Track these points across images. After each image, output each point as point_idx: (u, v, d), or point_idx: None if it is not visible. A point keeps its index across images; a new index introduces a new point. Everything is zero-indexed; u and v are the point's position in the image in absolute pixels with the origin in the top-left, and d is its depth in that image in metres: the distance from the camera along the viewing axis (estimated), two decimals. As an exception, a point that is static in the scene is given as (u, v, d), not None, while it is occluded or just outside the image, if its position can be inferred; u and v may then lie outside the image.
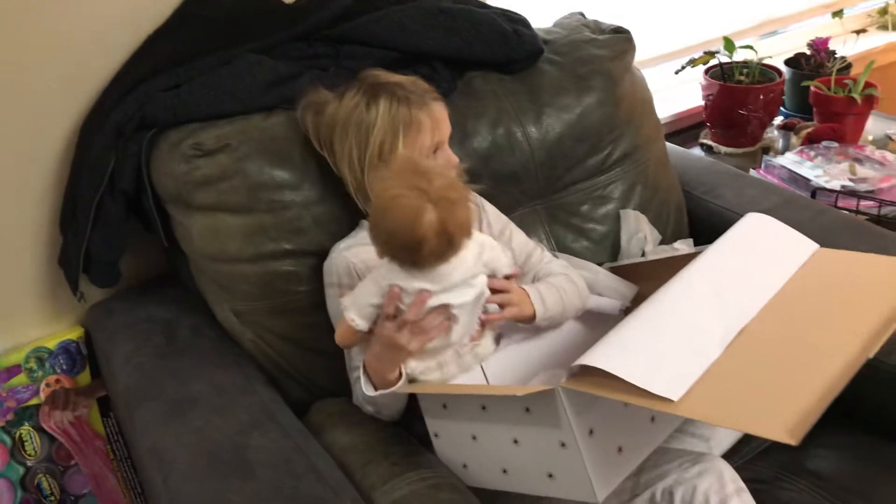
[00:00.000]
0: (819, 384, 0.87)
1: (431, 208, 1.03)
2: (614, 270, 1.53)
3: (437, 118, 1.28)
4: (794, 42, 2.64)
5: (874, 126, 2.25)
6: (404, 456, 1.20)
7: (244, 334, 1.39)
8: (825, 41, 2.34)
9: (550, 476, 1.05)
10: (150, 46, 1.47)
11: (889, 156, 1.99)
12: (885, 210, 1.81)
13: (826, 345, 0.96)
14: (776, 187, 1.83)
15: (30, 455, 1.56)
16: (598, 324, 1.41)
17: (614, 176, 1.65)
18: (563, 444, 1.01)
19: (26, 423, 1.56)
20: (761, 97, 2.15)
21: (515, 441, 1.07)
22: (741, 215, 1.32)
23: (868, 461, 1.29)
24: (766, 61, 2.24)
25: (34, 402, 1.56)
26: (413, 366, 1.21)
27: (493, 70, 1.59)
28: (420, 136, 1.26)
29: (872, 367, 1.26)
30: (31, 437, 1.56)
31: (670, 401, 0.88)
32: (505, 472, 1.12)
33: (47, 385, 1.57)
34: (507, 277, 1.23)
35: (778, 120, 2.30)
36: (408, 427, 1.29)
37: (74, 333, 1.59)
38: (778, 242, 1.25)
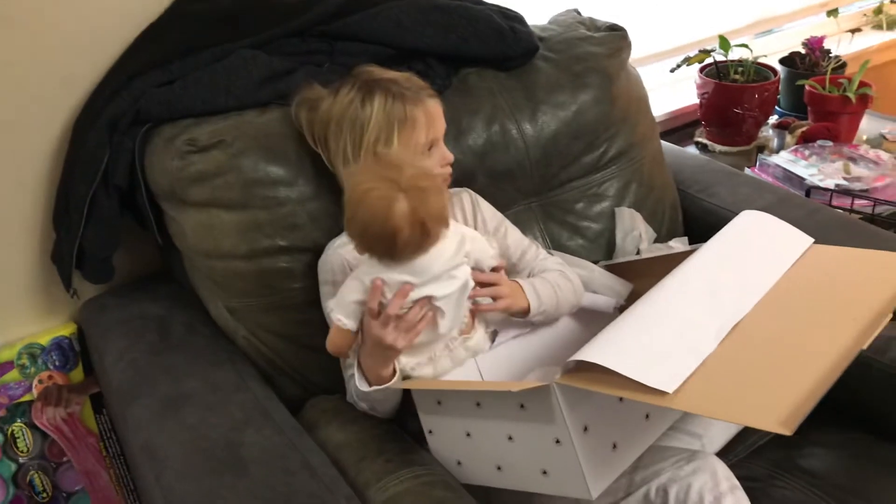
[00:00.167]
0: (812, 376, 0.87)
1: (402, 197, 1.04)
2: (609, 268, 1.53)
3: (432, 115, 1.28)
4: (789, 41, 2.64)
5: (868, 125, 2.26)
6: (398, 453, 1.19)
7: (238, 331, 1.39)
8: (820, 40, 2.34)
9: (545, 473, 1.05)
10: (144, 42, 1.46)
11: (883, 155, 1.99)
12: (880, 209, 1.81)
13: (819, 338, 0.97)
14: (771, 186, 1.83)
15: (22, 452, 1.56)
16: (593, 321, 1.41)
17: (609, 174, 1.65)
18: (557, 441, 1.00)
19: (19, 420, 1.55)
20: (756, 96, 2.15)
21: (510, 437, 1.07)
22: (736, 214, 1.32)
23: (862, 459, 1.30)
24: (761, 60, 2.24)
25: (27, 398, 1.55)
26: (405, 361, 1.21)
27: (488, 67, 1.58)
28: (415, 133, 1.26)
29: (866, 365, 1.27)
30: (23, 434, 1.55)
31: (665, 394, 0.88)
32: (499, 468, 1.12)
33: (40, 381, 1.56)
34: (494, 270, 1.23)
35: (773, 119, 2.30)
36: (402, 424, 1.29)
37: (67, 330, 1.59)
38: (773, 237, 1.25)
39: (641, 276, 1.46)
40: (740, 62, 2.23)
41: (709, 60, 2.21)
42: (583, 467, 0.99)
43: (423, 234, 1.07)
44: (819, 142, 2.07)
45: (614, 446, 1.04)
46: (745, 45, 2.22)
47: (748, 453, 1.34)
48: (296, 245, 1.35)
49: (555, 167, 1.60)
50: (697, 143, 2.28)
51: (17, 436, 1.55)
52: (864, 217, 1.79)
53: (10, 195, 1.48)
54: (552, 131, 1.58)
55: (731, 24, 2.51)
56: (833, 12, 2.45)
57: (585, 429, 1.00)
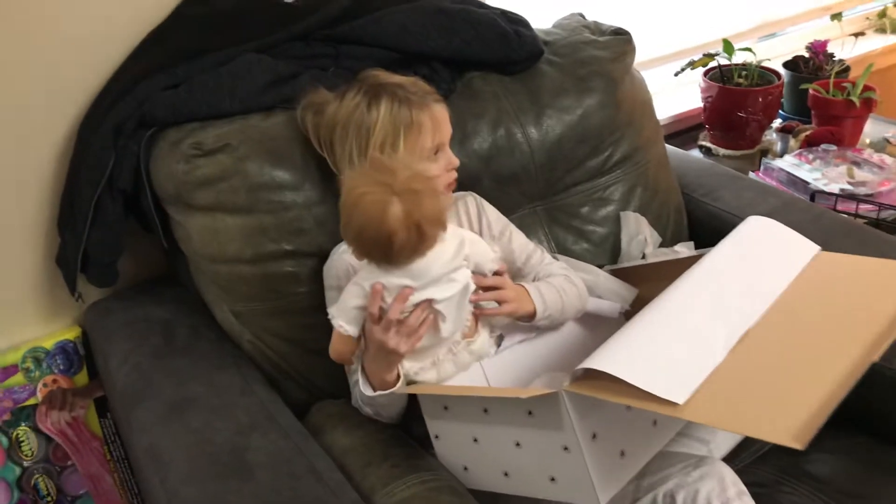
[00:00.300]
0: (823, 388, 0.87)
1: (396, 200, 1.04)
2: (614, 273, 1.53)
3: (438, 120, 1.28)
4: (793, 45, 2.64)
5: (872, 129, 2.26)
6: (404, 458, 1.19)
7: (243, 335, 1.39)
8: (824, 44, 2.34)
9: (552, 479, 1.05)
10: (149, 45, 1.46)
11: (887, 159, 1.99)
12: (884, 214, 1.81)
13: (830, 349, 0.96)
14: (775, 190, 1.83)
15: (27, 455, 1.56)
16: (598, 326, 1.41)
17: (614, 178, 1.65)
18: (565, 448, 1.00)
19: (23, 424, 1.55)
20: (760, 100, 2.15)
21: (517, 444, 1.07)
22: (741, 218, 1.32)
23: (869, 466, 1.30)
24: (764, 64, 2.24)
25: (31, 402, 1.55)
26: (408, 366, 1.21)
27: (493, 71, 1.58)
28: (421, 137, 1.26)
29: (874, 372, 1.26)
30: (27, 438, 1.55)
31: (675, 404, 0.88)
32: (506, 474, 1.12)
33: (44, 385, 1.56)
34: (496, 273, 1.23)
35: (776, 122, 2.30)
36: (407, 429, 1.29)
37: (72, 333, 1.59)
38: (779, 245, 1.25)
39: (647, 281, 1.46)
40: (744, 66, 2.23)
41: (713, 64, 2.21)
42: (591, 475, 0.99)
43: (419, 237, 1.07)
44: (823, 146, 2.06)
45: (622, 453, 1.03)
46: (749, 49, 2.22)
47: (754, 459, 1.34)
48: (301, 249, 1.35)
49: (560, 171, 1.60)
50: (701, 147, 2.28)
51: (21, 440, 1.55)
52: (869, 222, 1.79)
53: (14, 199, 1.47)
54: (557, 135, 1.57)
55: (734, 28, 2.51)
56: (837, 16, 2.45)
57: (594, 436, 1.00)
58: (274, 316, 1.37)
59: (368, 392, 1.20)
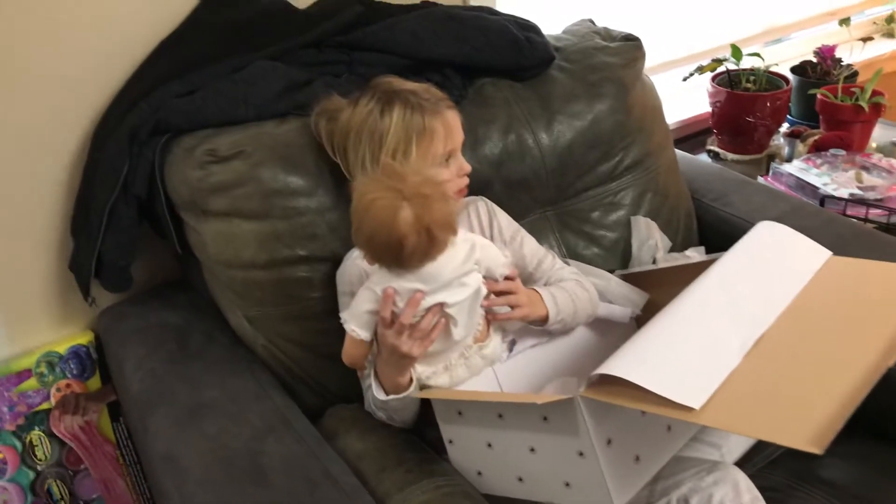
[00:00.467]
0: (840, 392, 0.87)
1: (406, 205, 1.05)
2: (625, 278, 1.53)
3: (450, 126, 1.28)
4: (801, 49, 2.65)
5: (880, 134, 2.26)
6: (418, 463, 1.20)
7: (257, 340, 1.39)
8: (832, 49, 2.34)
9: (567, 485, 1.05)
10: (163, 52, 1.47)
11: (896, 163, 1.99)
12: (895, 218, 1.81)
13: (844, 353, 0.97)
14: (784, 195, 1.83)
15: (40, 460, 1.56)
16: (609, 331, 1.41)
17: (625, 183, 1.65)
18: (581, 454, 1.01)
19: (37, 428, 1.56)
20: (768, 105, 2.16)
21: (532, 449, 1.08)
22: (750, 223, 1.32)
23: (882, 471, 1.30)
24: (772, 69, 2.25)
25: (45, 406, 1.56)
26: (420, 370, 1.21)
27: (504, 77, 1.59)
28: (433, 144, 1.26)
29: (888, 377, 1.26)
30: (41, 442, 1.56)
31: (691, 409, 0.88)
32: (521, 479, 1.12)
33: (58, 390, 1.57)
34: (507, 278, 1.23)
35: (784, 127, 2.30)
36: (420, 434, 1.30)
37: (85, 338, 1.59)
38: (791, 250, 1.25)
39: (658, 286, 1.46)
40: (752, 71, 2.23)
41: (721, 69, 2.22)
42: (606, 480, 0.99)
43: (429, 241, 1.07)
44: (831, 150, 2.07)
45: (637, 458, 1.04)
46: (758, 54, 2.23)
47: (766, 463, 1.34)
48: (315, 255, 1.36)
49: (570, 176, 1.60)
50: (709, 152, 2.29)
51: (35, 444, 1.55)
52: (880, 227, 1.79)
53: (29, 204, 1.48)
54: (568, 141, 1.58)
55: (742, 33, 2.52)
56: (845, 21, 2.45)
57: (609, 442, 1.00)
58: (287, 321, 1.38)
59: (381, 396, 1.20)
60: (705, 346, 1.00)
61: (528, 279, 1.38)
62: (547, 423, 1.04)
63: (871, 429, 1.35)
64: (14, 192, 1.46)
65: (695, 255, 1.60)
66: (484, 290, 1.17)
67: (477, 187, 1.45)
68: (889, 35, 2.82)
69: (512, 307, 1.24)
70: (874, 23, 2.83)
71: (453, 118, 1.30)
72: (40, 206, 1.50)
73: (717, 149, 2.27)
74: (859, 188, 1.90)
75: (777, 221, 1.31)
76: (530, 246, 1.41)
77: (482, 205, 1.42)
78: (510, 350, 1.31)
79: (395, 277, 1.11)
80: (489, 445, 1.14)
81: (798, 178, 1.97)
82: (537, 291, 1.29)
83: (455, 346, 1.21)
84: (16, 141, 1.43)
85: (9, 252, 1.49)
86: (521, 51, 1.57)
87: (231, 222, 1.34)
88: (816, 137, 2.14)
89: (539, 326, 1.30)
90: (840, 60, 2.34)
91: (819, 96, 2.19)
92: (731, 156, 2.24)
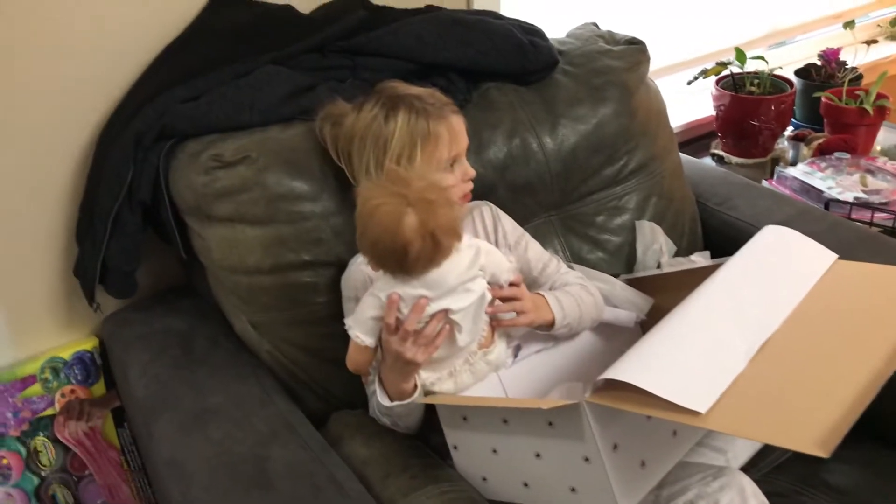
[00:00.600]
0: (847, 396, 0.87)
1: (411, 211, 1.05)
2: (630, 282, 1.53)
3: (455, 131, 1.28)
4: (805, 52, 2.64)
5: (885, 137, 2.26)
6: (423, 469, 1.20)
7: (262, 345, 1.39)
8: (836, 52, 2.34)
9: (573, 490, 1.05)
10: (167, 58, 1.47)
11: (901, 167, 1.99)
12: (900, 222, 1.81)
13: (850, 357, 0.97)
14: (789, 199, 1.83)
15: (44, 465, 1.56)
16: (614, 336, 1.41)
17: (630, 187, 1.65)
18: (586, 459, 1.00)
19: (41, 434, 1.56)
20: (772, 108, 2.15)
21: (537, 455, 1.07)
22: (756, 227, 1.32)
23: (888, 476, 1.29)
24: (776, 72, 2.24)
25: (49, 412, 1.56)
26: (425, 376, 1.21)
27: (508, 81, 1.59)
28: (438, 148, 1.26)
29: (893, 380, 1.26)
30: (45, 448, 1.56)
31: (697, 414, 0.88)
32: (526, 485, 1.12)
33: (62, 395, 1.57)
34: (512, 284, 1.23)
35: (789, 131, 2.30)
36: (424, 439, 1.30)
37: (89, 344, 1.59)
38: (797, 254, 1.25)
39: (663, 291, 1.46)
40: (756, 74, 2.23)
41: (725, 72, 2.21)
42: (612, 485, 0.99)
43: (434, 247, 1.07)
44: (836, 154, 2.06)
45: (643, 464, 1.04)
46: (762, 58, 2.22)
47: (772, 468, 1.33)
48: (320, 260, 1.35)
49: (575, 180, 1.60)
50: (713, 155, 2.28)
51: (39, 450, 1.55)
52: (885, 230, 1.79)
53: (34, 209, 1.48)
54: (572, 144, 1.58)
55: (746, 36, 2.51)
56: (849, 24, 2.45)
57: (615, 447, 1.00)
58: (292, 326, 1.38)
59: (386, 402, 1.20)
60: (711, 350, 1.00)
61: (532, 284, 1.38)
62: (552, 428, 1.03)
63: (876, 434, 1.35)
64: (19, 198, 1.46)
65: (700, 259, 1.60)
66: (489, 296, 1.17)
67: (481, 192, 1.44)
68: (893, 38, 2.81)
69: (517, 313, 1.23)
70: (878, 26, 2.83)
71: (458, 123, 1.30)
72: (45, 211, 1.50)
73: (721, 152, 2.27)
74: (864, 192, 1.90)
75: (782, 225, 1.31)
76: (535, 250, 1.41)
77: (486, 209, 1.42)
78: (515, 355, 1.31)
79: (399, 283, 1.11)
80: (494, 451, 1.14)
81: (802, 181, 1.97)
82: (543, 296, 1.29)
83: (460, 352, 1.20)
84: (21, 146, 1.43)
85: (14, 257, 1.49)
86: (526, 55, 1.57)
87: (236, 227, 1.34)
88: (821, 141, 2.14)
89: (545, 331, 1.29)
90: (844, 63, 2.34)
91: (823, 99, 2.19)
92: (735, 159, 2.24)
